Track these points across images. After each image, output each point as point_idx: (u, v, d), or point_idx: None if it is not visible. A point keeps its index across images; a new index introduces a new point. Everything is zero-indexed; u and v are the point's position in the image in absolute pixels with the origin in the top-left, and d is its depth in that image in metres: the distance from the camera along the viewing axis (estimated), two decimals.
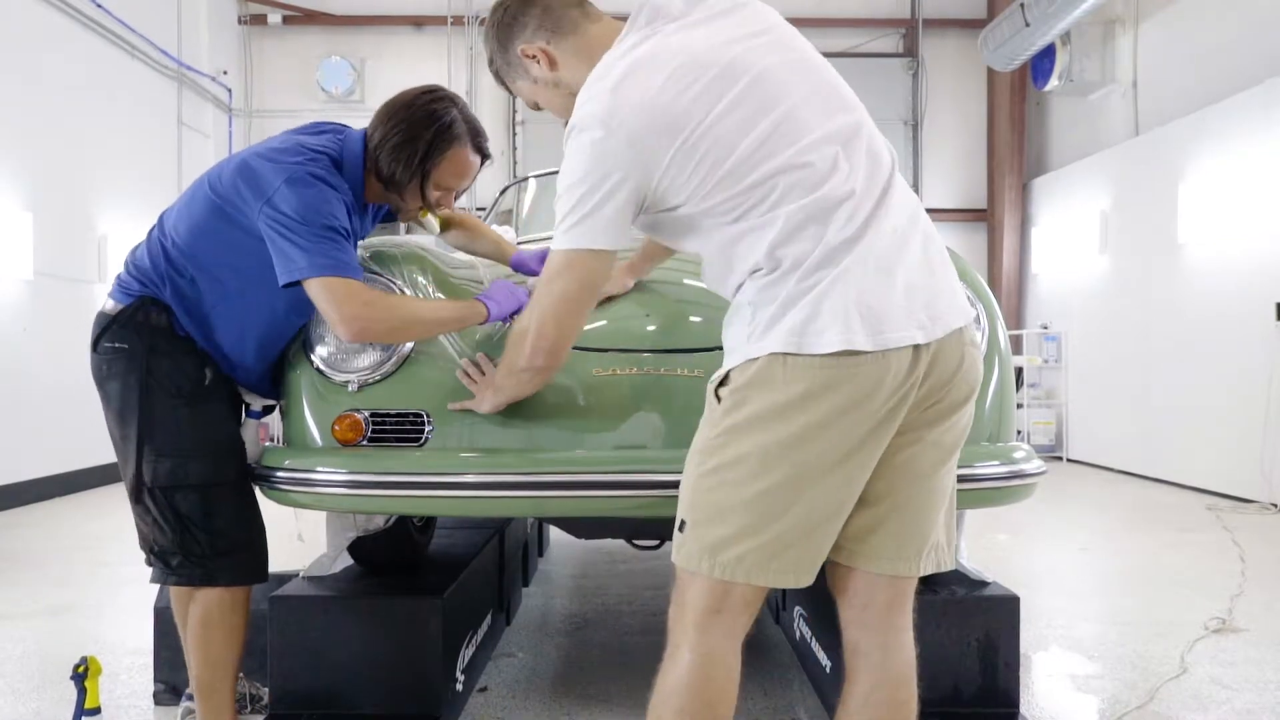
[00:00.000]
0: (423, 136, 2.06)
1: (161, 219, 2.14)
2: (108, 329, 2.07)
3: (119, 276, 2.14)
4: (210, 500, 2.06)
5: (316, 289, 1.93)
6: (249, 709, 2.52)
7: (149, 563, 2.12)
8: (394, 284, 2.19)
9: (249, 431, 2.25)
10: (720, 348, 2.14)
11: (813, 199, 1.43)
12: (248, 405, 2.29)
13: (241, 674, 2.51)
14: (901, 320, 1.41)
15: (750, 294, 1.47)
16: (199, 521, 2.05)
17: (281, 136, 2.11)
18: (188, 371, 2.07)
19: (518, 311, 2.11)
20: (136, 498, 2.06)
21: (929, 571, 1.58)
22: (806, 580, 1.49)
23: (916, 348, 1.42)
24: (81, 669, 2.46)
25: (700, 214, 1.48)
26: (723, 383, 1.50)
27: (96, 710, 2.50)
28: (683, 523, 1.53)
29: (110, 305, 2.11)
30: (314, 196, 1.93)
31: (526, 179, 4.34)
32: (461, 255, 2.75)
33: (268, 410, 2.34)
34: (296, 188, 1.92)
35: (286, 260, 1.92)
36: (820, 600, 2.66)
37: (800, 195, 1.42)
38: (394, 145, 2.05)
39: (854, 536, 1.55)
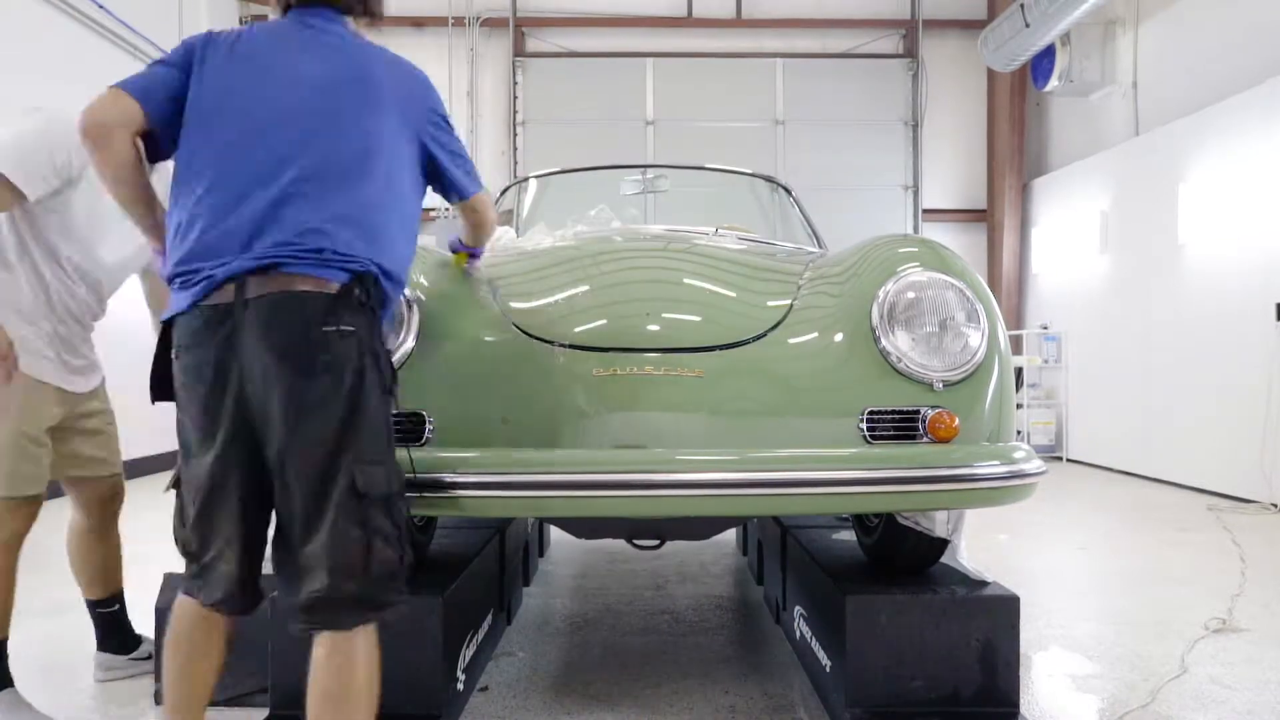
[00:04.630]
0: None
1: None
2: (334, 309, 1.69)
3: (318, 248, 1.73)
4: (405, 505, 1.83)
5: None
6: None
7: (347, 603, 1.70)
8: None
9: None
10: (719, 347, 2.16)
11: None
12: None
13: None
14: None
15: None
16: (407, 532, 1.81)
17: None
18: (391, 360, 1.85)
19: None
20: (361, 519, 1.70)
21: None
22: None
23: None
24: None
25: None
26: None
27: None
28: None
29: (323, 284, 1.71)
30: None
31: (527, 179, 4.35)
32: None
33: None
34: None
35: None
36: (820, 600, 2.66)
37: None
38: None
39: None
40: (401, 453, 1.89)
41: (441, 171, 2.00)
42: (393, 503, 1.75)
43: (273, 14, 1.97)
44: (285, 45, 1.87)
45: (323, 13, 1.91)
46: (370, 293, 1.74)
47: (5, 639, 2.62)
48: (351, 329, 1.70)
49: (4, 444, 2.49)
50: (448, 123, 2.00)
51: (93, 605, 2.96)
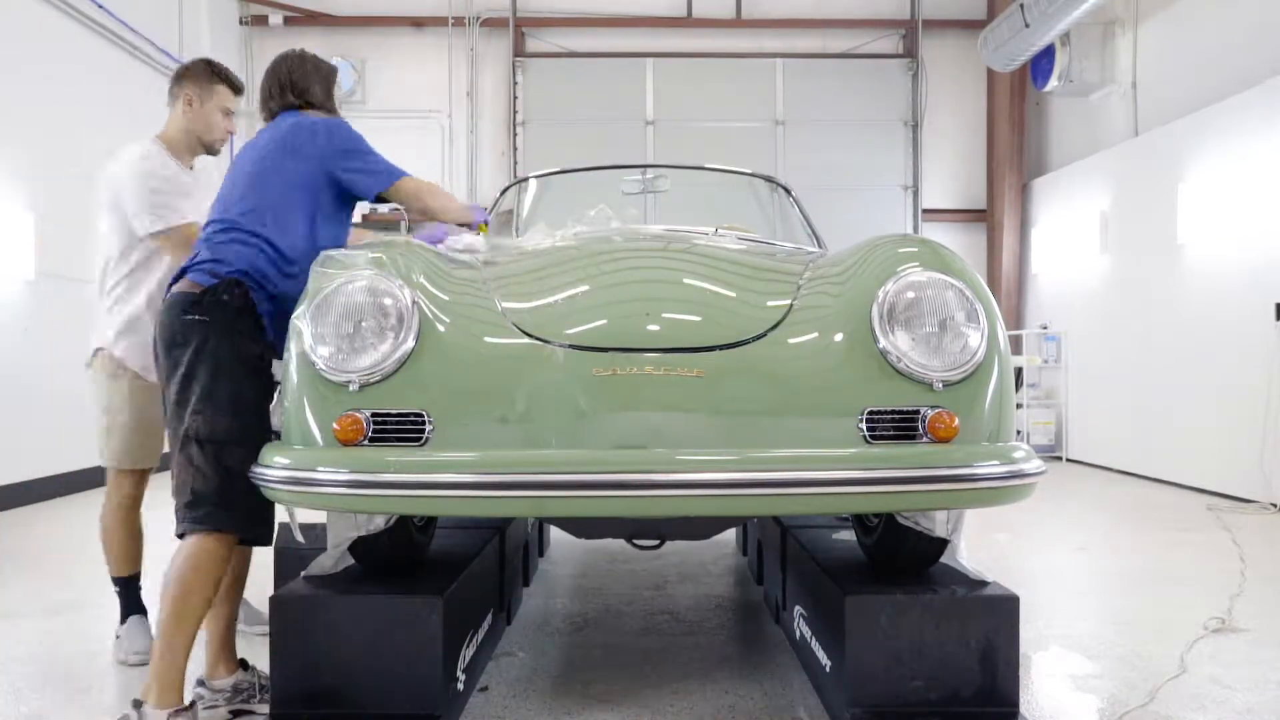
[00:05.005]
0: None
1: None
2: (193, 304, 2.39)
3: (197, 261, 2.47)
4: (253, 459, 2.27)
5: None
6: (258, 697, 2.57)
7: (180, 516, 2.35)
8: (394, 283, 2.20)
9: None
10: (719, 347, 2.16)
11: None
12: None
13: (253, 665, 2.64)
14: None
15: None
16: (240, 476, 2.27)
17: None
18: (258, 343, 2.42)
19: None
20: (183, 449, 2.35)
21: None
22: None
23: None
24: None
25: None
26: None
27: None
28: None
29: (189, 285, 2.42)
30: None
31: (527, 179, 4.35)
32: (462, 255, 2.76)
33: None
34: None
35: None
36: (820, 600, 2.66)
37: None
38: None
39: None
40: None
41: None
42: (217, 448, 2.32)
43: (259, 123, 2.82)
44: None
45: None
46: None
47: (138, 574, 3.21)
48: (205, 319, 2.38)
49: (126, 428, 3.07)
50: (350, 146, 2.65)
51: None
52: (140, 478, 3.17)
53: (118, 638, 3.13)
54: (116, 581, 3.19)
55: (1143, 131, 8.26)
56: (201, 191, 3.14)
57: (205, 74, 3.20)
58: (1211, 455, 6.95)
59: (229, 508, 2.33)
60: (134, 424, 3.08)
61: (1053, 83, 8.98)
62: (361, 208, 9.69)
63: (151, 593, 3.14)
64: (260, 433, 2.35)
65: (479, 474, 2.01)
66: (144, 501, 3.22)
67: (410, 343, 2.15)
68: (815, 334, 2.25)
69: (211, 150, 3.25)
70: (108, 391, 3.09)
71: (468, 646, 2.64)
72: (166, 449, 3.10)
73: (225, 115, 3.21)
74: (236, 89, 3.24)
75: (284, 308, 2.43)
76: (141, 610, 3.16)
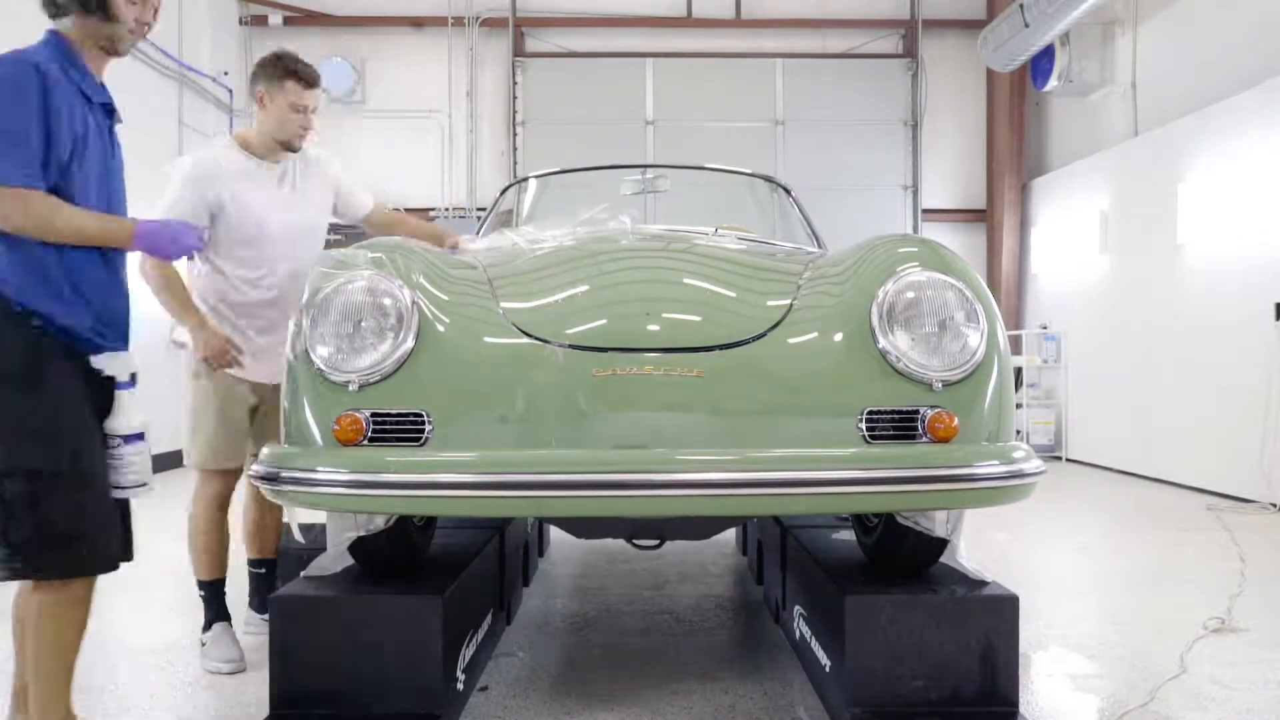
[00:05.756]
0: None
1: None
2: None
3: None
4: (40, 489, 2.03)
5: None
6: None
7: None
8: (394, 283, 2.21)
9: (124, 403, 2.20)
10: (719, 347, 2.16)
11: None
12: (114, 378, 2.21)
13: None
14: None
15: None
16: (23, 511, 2.02)
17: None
18: (17, 351, 2.04)
19: (173, 257, 2.40)
20: None
21: None
22: None
23: None
24: None
25: None
26: None
27: None
28: None
29: None
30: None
31: (526, 179, 4.35)
32: (462, 255, 2.76)
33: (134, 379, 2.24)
34: None
35: None
36: (820, 600, 2.66)
37: None
38: None
39: None
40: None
41: None
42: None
43: None
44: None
45: None
46: None
47: (224, 578, 3.12)
48: None
49: (210, 428, 3.02)
50: None
51: (250, 563, 3.36)
52: (227, 477, 3.09)
53: (203, 645, 3.06)
54: (202, 586, 3.10)
55: (1143, 131, 8.26)
56: (285, 188, 3.09)
57: (274, 68, 3.02)
58: (1211, 455, 6.94)
59: (15, 550, 2.04)
60: (217, 424, 3.01)
61: (1052, 83, 8.98)
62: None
63: (236, 600, 3.23)
64: (50, 454, 2.05)
65: (479, 474, 2.01)
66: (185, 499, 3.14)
67: (410, 343, 2.15)
68: (815, 334, 2.25)
69: (290, 148, 3.07)
70: (190, 391, 3.04)
71: (468, 646, 2.64)
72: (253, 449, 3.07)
73: (297, 111, 3.01)
74: (308, 82, 3.03)
75: (49, 283, 2.08)
76: (227, 617, 3.10)
